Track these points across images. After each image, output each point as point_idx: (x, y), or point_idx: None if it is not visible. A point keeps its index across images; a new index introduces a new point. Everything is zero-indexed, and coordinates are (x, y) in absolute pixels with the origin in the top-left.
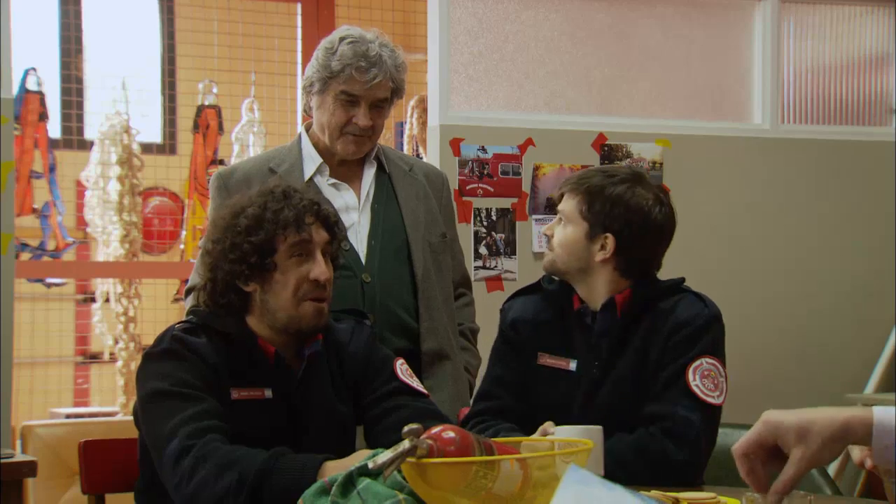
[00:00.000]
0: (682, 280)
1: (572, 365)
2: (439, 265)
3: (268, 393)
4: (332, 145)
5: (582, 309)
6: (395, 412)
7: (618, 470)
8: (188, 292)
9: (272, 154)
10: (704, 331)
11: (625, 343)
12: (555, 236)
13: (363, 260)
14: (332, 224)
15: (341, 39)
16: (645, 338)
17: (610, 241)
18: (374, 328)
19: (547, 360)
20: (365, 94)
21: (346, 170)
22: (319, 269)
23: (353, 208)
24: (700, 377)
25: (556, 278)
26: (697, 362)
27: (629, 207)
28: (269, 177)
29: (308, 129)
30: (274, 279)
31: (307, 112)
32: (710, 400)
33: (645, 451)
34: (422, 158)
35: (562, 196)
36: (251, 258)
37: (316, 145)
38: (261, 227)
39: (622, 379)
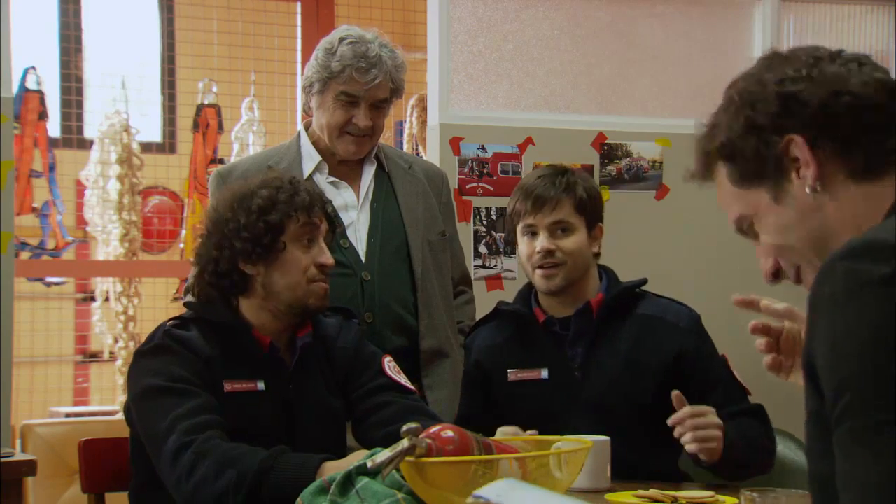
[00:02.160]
0: (645, 280)
1: (543, 374)
2: (439, 264)
3: (260, 385)
4: (332, 145)
5: (548, 320)
6: (383, 409)
7: (762, 457)
8: (188, 291)
9: (271, 153)
10: (702, 330)
11: (603, 345)
12: (561, 248)
13: (363, 258)
14: (332, 217)
15: (341, 40)
16: (635, 345)
17: (600, 229)
18: (361, 325)
19: (517, 374)
20: (365, 94)
21: (345, 168)
22: (327, 255)
23: (353, 207)
24: (736, 372)
25: (510, 301)
26: (725, 358)
27: (594, 190)
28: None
29: (307, 127)
30: (282, 259)
31: (307, 111)
32: (745, 385)
33: (770, 439)
34: (421, 157)
35: (539, 208)
36: (264, 238)
37: (315, 144)
38: (274, 207)
39: (612, 382)
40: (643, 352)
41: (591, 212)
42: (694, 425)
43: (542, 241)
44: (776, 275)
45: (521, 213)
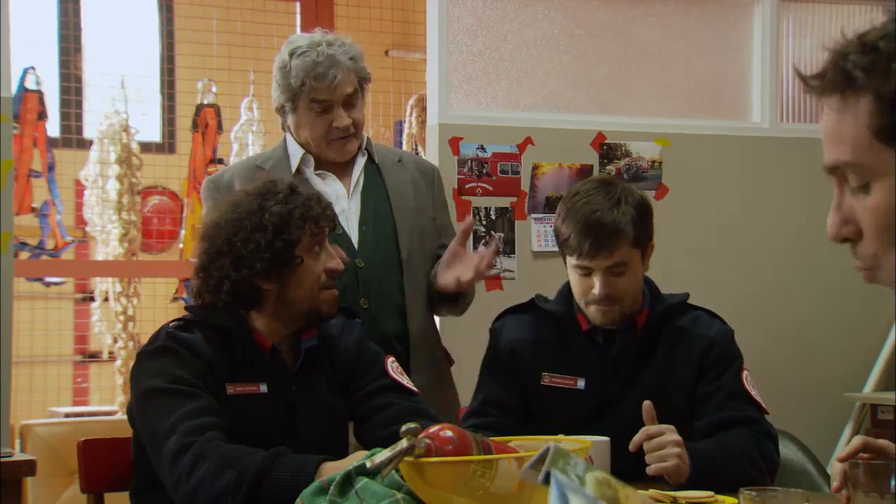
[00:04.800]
0: (687, 295)
1: (580, 383)
2: (425, 249)
3: (263, 388)
4: (323, 154)
5: (591, 329)
6: (385, 410)
7: (747, 469)
8: (196, 295)
9: (258, 155)
10: (733, 344)
11: (643, 361)
12: (617, 288)
13: (356, 245)
14: (332, 216)
15: (291, 55)
16: (667, 357)
17: (652, 246)
18: (364, 325)
19: (553, 380)
20: (333, 96)
21: (335, 164)
22: (336, 259)
23: (343, 196)
24: (750, 385)
25: (550, 298)
26: (744, 372)
27: (646, 206)
28: (256, 173)
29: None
30: (297, 273)
31: (285, 129)
32: (764, 405)
33: (761, 452)
34: (413, 153)
35: (596, 254)
36: (284, 256)
37: (301, 144)
38: (290, 224)
39: (645, 395)
40: (674, 367)
41: (645, 237)
42: (648, 448)
43: (599, 286)
44: None
45: (575, 251)
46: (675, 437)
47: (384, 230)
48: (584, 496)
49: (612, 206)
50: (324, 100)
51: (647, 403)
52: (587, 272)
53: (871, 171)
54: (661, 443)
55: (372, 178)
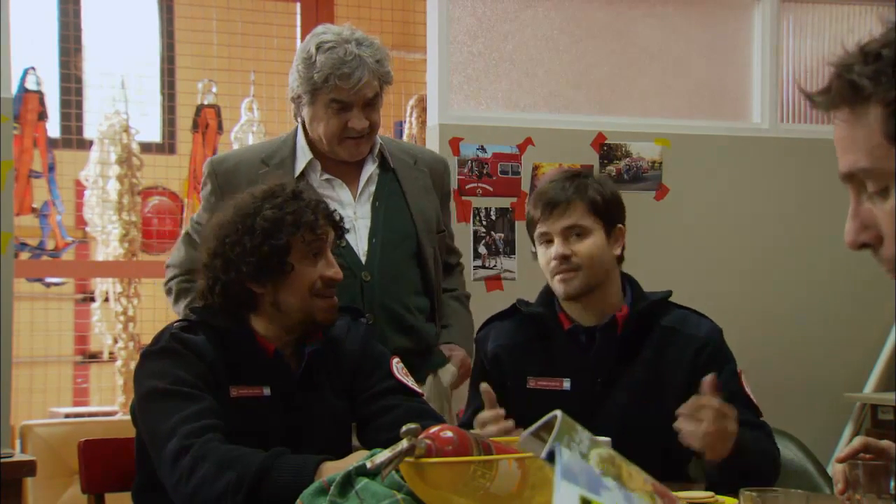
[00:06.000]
0: (670, 293)
1: (566, 384)
2: (438, 263)
3: (266, 391)
4: (333, 152)
5: (573, 328)
6: (390, 411)
7: (770, 466)
8: (200, 296)
9: (265, 146)
10: (725, 343)
11: (627, 359)
12: (576, 253)
13: (363, 258)
14: (338, 223)
15: (318, 48)
16: (656, 357)
17: (621, 230)
18: (370, 326)
19: (538, 382)
20: (354, 97)
21: (343, 166)
22: (334, 268)
23: (348, 204)
24: (747, 386)
25: (531, 301)
26: (741, 373)
27: (614, 195)
28: (260, 168)
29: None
30: (289, 279)
31: (296, 118)
32: (759, 405)
33: (766, 452)
34: (421, 147)
35: (550, 213)
36: (271, 261)
37: (311, 143)
38: (279, 230)
39: (633, 395)
40: (664, 367)
41: (608, 213)
42: (685, 410)
43: (556, 248)
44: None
45: (535, 220)
46: (717, 404)
47: (398, 243)
48: (589, 473)
49: (573, 182)
50: (344, 100)
51: (710, 377)
52: (548, 238)
53: (889, 174)
54: (697, 405)
55: (386, 186)
